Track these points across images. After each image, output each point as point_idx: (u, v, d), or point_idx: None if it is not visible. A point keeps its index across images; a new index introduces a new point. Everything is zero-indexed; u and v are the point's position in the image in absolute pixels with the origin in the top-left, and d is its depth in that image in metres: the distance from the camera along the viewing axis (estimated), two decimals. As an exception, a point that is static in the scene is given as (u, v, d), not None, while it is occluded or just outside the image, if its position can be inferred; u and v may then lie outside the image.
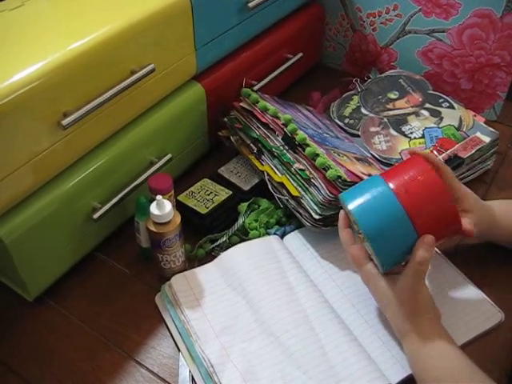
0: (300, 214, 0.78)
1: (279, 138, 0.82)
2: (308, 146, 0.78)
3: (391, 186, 0.62)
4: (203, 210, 0.81)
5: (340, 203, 0.69)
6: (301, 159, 0.79)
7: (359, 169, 0.80)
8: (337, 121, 1.00)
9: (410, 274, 0.61)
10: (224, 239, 0.79)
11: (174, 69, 0.79)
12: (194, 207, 0.81)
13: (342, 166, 0.78)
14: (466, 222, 0.67)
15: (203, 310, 0.70)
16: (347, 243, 0.67)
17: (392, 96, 1.01)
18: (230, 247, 0.77)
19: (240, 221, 0.80)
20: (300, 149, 0.79)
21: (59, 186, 0.68)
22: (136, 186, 0.77)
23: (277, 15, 1.01)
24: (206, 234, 0.80)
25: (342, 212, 0.69)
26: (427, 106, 0.97)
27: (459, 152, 0.87)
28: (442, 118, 0.95)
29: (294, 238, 0.80)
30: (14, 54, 0.62)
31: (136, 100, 0.75)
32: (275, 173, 0.81)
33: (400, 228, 0.61)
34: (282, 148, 0.81)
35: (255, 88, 0.95)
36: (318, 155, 0.77)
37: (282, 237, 0.80)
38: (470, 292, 0.73)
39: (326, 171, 0.75)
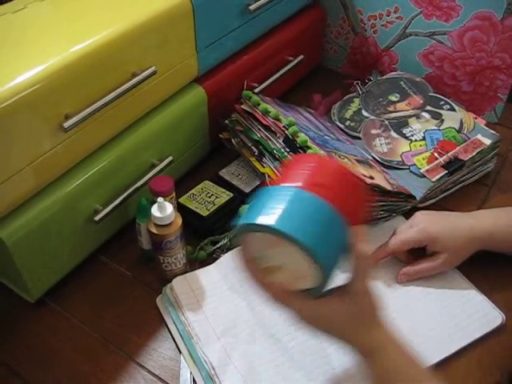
0: (301, 216, 0.78)
1: (280, 141, 0.82)
2: (309, 148, 0.78)
3: (296, 185, 0.51)
4: (204, 213, 0.81)
5: (241, 231, 0.52)
6: (302, 161, 0.79)
7: (360, 171, 0.80)
8: (338, 123, 1.00)
9: (355, 275, 0.53)
10: (225, 241, 0.79)
11: (176, 71, 0.79)
12: (195, 209, 0.82)
13: (343, 168, 0.78)
14: (433, 262, 0.72)
15: (204, 312, 0.70)
16: (261, 281, 0.53)
17: (393, 98, 1.01)
18: (231, 249, 0.77)
19: (241, 223, 0.80)
20: (301, 151, 0.79)
21: (61, 188, 0.68)
22: (137, 189, 0.77)
23: (278, 18, 1.02)
24: (207, 236, 0.80)
25: (237, 251, 0.54)
26: (428, 108, 0.98)
27: (460, 154, 0.88)
28: (442, 121, 0.95)
29: (295, 240, 0.80)
30: (15, 56, 0.62)
31: (137, 102, 0.75)
32: (276, 175, 0.81)
33: (329, 220, 0.50)
34: (283, 150, 0.81)
35: (256, 90, 0.95)
36: (319, 157, 0.77)
37: (283, 239, 0.80)
38: (471, 294, 0.73)
39: (327, 173, 0.75)
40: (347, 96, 1.05)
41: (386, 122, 0.97)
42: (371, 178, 0.79)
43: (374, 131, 0.96)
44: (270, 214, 0.49)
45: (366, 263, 0.53)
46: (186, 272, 0.75)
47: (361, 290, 0.53)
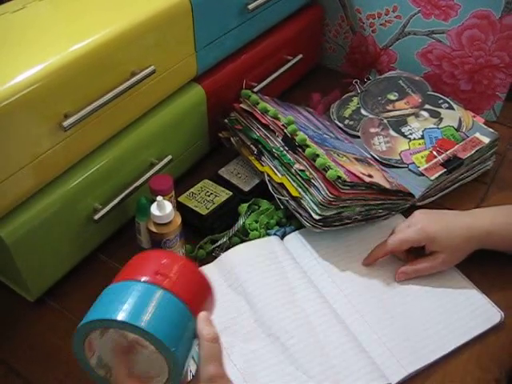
0: (300, 214, 0.78)
1: (279, 139, 0.83)
2: (308, 146, 0.79)
3: (144, 278, 0.51)
4: (204, 211, 0.81)
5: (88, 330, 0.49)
6: (301, 160, 0.79)
7: (359, 169, 0.80)
8: (337, 122, 1.00)
9: (206, 360, 0.49)
10: (224, 240, 0.79)
11: (175, 70, 0.80)
12: (195, 208, 0.82)
13: (342, 166, 0.78)
14: (432, 261, 0.73)
15: (204, 311, 0.70)
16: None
17: (392, 97, 1.01)
18: (231, 248, 0.78)
19: (240, 221, 0.81)
20: (300, 149, 0.80)
21: (61, 187, 0.69)
22: (137, 187, 0.78)
23: (277, 17, 1.02)
24: (207, 235, 0.81)
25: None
26: (427, 107, 0.98)
27: (459, 153, 0.88)
28: (441, 119, 0.95)
29: (294, 239, 0.80)
30: (14, 55, 0.62)
31: (136, 102, 0.75)
32: (275, 174, 0.82)
33: (179, 314, 0.49)
34: (281, 149, 0.82)
35: (255, 89, 0.95)
36: (317, 156, 0.77)
37: (282, 237, 0.81)
38: (470, 292, 0.73)
39: (326, 172, 0.75)
40: (346, 95, 1.05)
41: (385, 121, 0.97)
42: (370, 176, 0.79)
43: (372, 130, 0.96)
44: (117, 308, 0.48)
45: (214, 346, 0.49)
46: (186, 271, 0.75)
47: (208, 378, 0.48)
